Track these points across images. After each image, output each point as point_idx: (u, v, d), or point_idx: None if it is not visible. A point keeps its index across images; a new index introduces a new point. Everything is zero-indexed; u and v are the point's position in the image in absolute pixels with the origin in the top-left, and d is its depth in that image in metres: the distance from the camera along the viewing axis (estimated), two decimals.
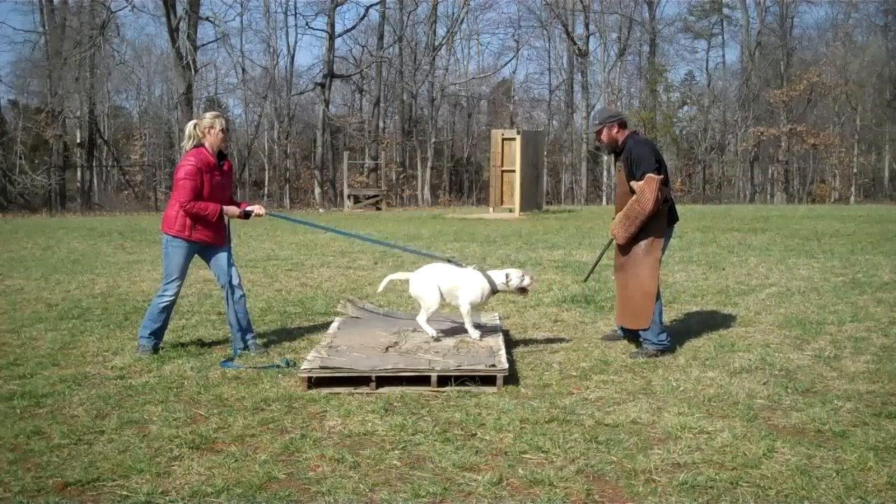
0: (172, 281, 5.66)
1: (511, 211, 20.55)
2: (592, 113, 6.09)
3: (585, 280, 6.70)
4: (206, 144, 5.58)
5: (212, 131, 5.57)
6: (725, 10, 45.63)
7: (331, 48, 38.03)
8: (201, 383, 4.89)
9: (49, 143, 35.20)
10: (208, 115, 5.67)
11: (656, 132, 42.56)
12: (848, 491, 3.28)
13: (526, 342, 5.97)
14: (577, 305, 7.36)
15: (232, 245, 5.85)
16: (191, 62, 32.98)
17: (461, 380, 4.75)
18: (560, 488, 3.35)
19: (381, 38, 39.38)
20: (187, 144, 5.63)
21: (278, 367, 5.27)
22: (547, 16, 44.06)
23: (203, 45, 37.24)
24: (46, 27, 35.64)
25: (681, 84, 48.23)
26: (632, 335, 5.84)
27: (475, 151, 45.08)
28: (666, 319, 6.65)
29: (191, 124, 5.67)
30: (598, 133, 5.75)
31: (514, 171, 20.50)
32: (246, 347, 5.72)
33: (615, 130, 5.69)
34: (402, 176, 40.57)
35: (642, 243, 5.58)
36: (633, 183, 5.50)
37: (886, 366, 5.19)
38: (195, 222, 5.56)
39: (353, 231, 12.22)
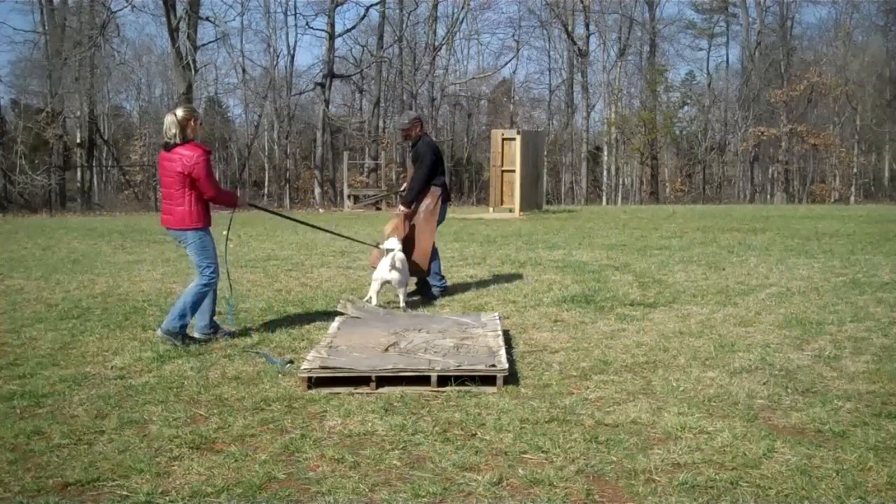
0: (213, 265, 5.97)
1: (511, 211, 20.54)
2: (402, 115, 7.66)
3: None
4: (194, 137, 5.82)
5: (197, 123, 5.84)
6: (730, 10, 45.70)
7: (331, 48, 38.04)
8: (201, 383, 4.89)
9: (49, 143, 35.19)
10: (184, 108, 5.88)
11: (657, 132, 42.61)
12: (848, 491, 3.28)
13: (526, 342, 5.97)
14: (577, 305, 7.36)
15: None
16: (191, 62, 32.99)
17: (461, 380, 4.75)
18: (560, 488, 3.35)
19: (381, 38, 39.39)
20: (178, 136, 5.75)
21: (276, 363, 5.31)
22: (547, 16, 44.12)
23: (203, 45, 37.23)
24: (46, 27, 35.62)
25: (681, 84, 48.30)
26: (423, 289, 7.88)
27: (475, 151, 45.09)
28: (665, 319, 6.68)
29: (171, 118, 5.77)
30: (408, 129, 7.77)
31: (514, 171, 20.49)
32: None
33: (418, 129, 7.79)
34: (402, 176, 40.58)
35: (422, 217, 7.71)
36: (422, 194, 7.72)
37: (886, 366, 5.19)
38: (207, 210, 5.89)
39: (352, 233, 12.20)
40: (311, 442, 3.88)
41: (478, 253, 11.72)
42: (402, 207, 7.75)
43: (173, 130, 5.74)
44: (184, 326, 5.88)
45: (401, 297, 7.26)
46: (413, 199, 7.71)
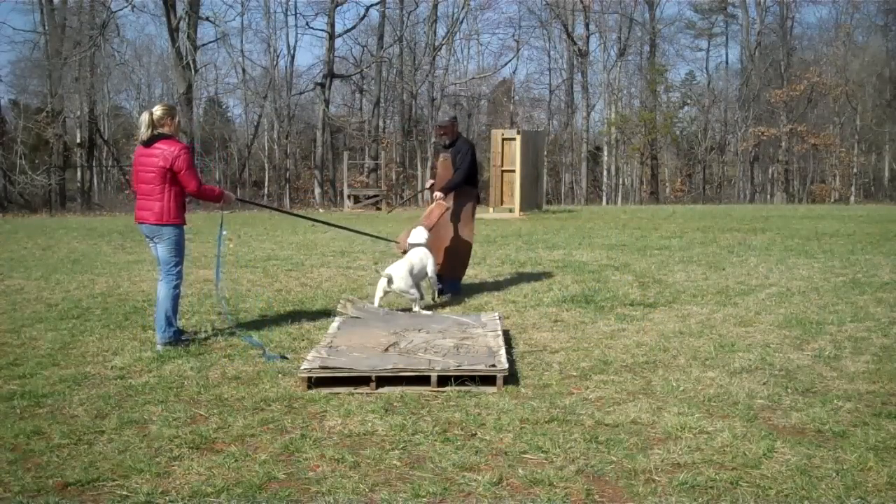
0: (181, 264, 5.98)
1: (511, 211, 20.53)
2: (441, 115, 7.95)
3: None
4: (173, 135, 5.83)
5: (174, 121, 5.85)
6: (729, 10, 45.73)
7: (331, 48, 38.01)
8: (201, 383, 4.89)
9: (49, 143, 35.18)
10: (162, 106, 5.89)
11: (657, 132, 42.60)
12: (848, 491, 3.28)
13: (526, 342, 5.97)
14: (577, 305, 7.36)
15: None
16: (191, 62, 32.96)
17: (461, 380, 4.75)
18: (560, 488, 3.35)
19: (381, 38, 39.37)
20: (146, 133, 5.75)
21: (274, 358, 5.36)
22: (547, 16, 44.11)
23: (203, 45, 37.20)
24: (46, 27, 35.59)
25: (681, 84, 48.29)
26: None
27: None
28: (665, 319, 6.67)
29: (146, 116, 5.80)
30: (447, 127, 8.01)
31: (514, 171, 20.48)
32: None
33: (456, 127, 8.16)
34: (402, 176, 40.58)
35: (461, 219, 7.91)
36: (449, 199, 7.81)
37: (886, 366, 5.19)
38: (184, 208, 5.91)
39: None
40: (311, 442, 3.88)
41: (478, 253, 11.70)
42: (438, 194, 7.75)
43: (146, 127, 5.76)
44: (176, 331, 5.92)
45: (413, 304, 7.01)
46: (453, 189, 7.78)
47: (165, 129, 5.78)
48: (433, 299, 7.66)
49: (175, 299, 5.92)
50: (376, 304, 6.88)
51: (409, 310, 6.95)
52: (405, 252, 7.42)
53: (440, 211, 7.72)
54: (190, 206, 6.27)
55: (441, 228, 7.81)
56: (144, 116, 5.82)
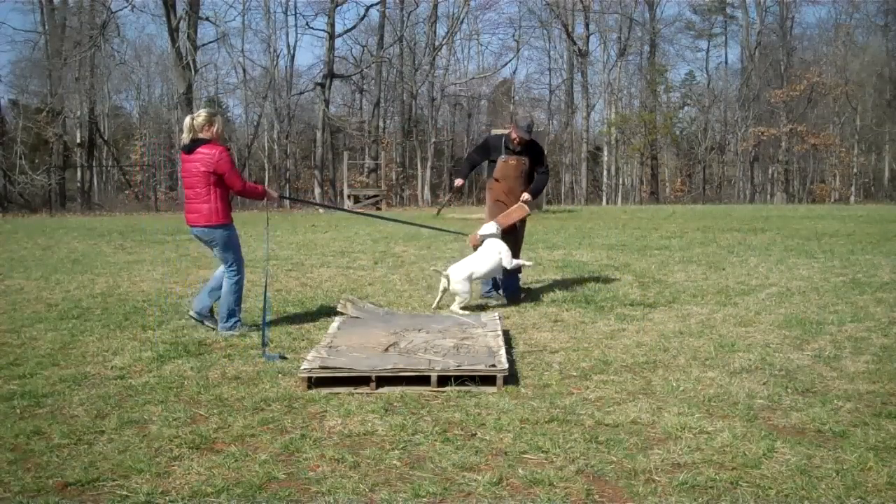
0: (239, 260, 6.39)
1: None
2: (525, 121, 7.51)
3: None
4: (214, 139, 6.09)
5: (213, 127, 6.10)
6: (728, 10, 45.76)
7: (331, 48, 38.01)
8: (201, 383, 4.89)
9: (49, 143, 35.22)
10: (206, 112, 6.17)
11: (656, 132, 42.60)
12: (848, 491, 3.28)
13: (526, 342, 5.97)
14: (577, 305, 7.35)
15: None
16: (191, 62, 32.99)
17: (461, 380, 4.75)
18: (560, 488, 3.35)
19: (381, 38, 39.38)
20: (186, 138, 6.10)
21: (274, 358, 5.40)
22: (547, 16, 44.14)
23: (203, 45, 37.21)
24: (46, 27, 35.65)
25: (681, 84, 48.30)
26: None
27: None
28: (665, 319, 6.67)
29: (188, 121, 6.13)
30: (525, 137, 7.58)
31: None
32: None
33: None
34: (401, 176, 40.59)
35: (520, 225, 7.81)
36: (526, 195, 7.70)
37: (886, 366, 5.19)
38: (230, 208, 6.25)
39: (353, 233, 12.20)
40: (311, 442, 3.88)
41: None
42: (527, 196, 7.68)
43: (188, 133, 6.08)
44: (237, 321, 6.29)
45: (455, 304, 7.06)
46: (539, 193, 7.93)
47: (204, 134, 6.05)
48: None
49: (238, 292, 6.32)
50: (436, 304, 7.19)
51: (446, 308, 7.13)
52: (476, 247, 7.51)
53: (521, 214, 7.63)
54: None
55: (510, 232, 7.71)
56: (187, 121, 6.12)
